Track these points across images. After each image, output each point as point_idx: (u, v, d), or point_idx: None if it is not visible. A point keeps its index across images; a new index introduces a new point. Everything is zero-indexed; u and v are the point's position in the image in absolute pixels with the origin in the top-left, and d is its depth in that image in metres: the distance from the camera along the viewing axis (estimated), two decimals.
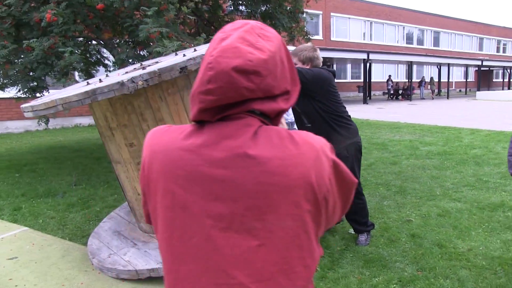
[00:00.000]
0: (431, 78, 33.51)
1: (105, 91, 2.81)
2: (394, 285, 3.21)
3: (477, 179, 6.21)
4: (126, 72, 3.87)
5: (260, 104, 0.94)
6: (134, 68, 4.15)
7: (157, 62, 4.00)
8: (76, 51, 5.31)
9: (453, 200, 5.21)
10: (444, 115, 17.14)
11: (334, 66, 33.00)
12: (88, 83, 3.91)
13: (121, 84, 2.77)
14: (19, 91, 7.88)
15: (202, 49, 3.92)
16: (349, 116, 3.94)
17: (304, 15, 8.05)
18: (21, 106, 3.48)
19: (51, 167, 7.81)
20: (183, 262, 0.94)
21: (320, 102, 3.77)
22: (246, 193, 0.90)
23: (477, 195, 5.43)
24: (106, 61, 8.19)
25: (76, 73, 8.68)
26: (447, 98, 31.08)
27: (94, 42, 7.59)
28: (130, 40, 6.62)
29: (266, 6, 7.27)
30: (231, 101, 0.91)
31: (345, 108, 3.92)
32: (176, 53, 4.56)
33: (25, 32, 5.69)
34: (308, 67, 3.77)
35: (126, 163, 3.68)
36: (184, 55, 3.65)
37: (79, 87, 3.89)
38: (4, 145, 10.86)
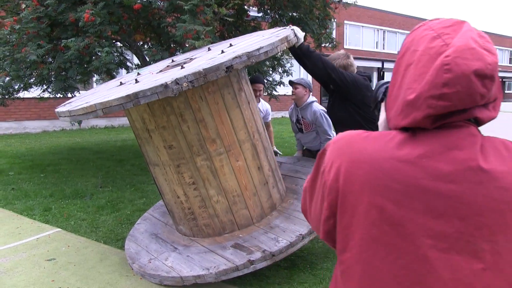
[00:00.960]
0: None
1: (148, 94, 2.65)
2: None
3: None
4: (161, 71, 3.76)
5: (480, 111, 0.86)
6: (167, 65, 4.03)
7: (191, 59, 3.91)
8: (113, 52, 5.29)
9: None
10: None
11: None
12: (121, 83, 3.81)
13: (165, 86, 2.63)
14: (46, 90, 7.92)
15: (239, 44, 3.80)
16: None
17: (332, 21, 8.01)
18: (57, 110, 3.33)
19: (74, 168, 7.80)
20: (385, 285, 0.86)
21: (358, 108, 3.70)
22: (476, 211, 0.82)
23: None
24: (128, 63, 8.19)
25: (95, 76, 8.72)
26: None
27: (118, 43, 7.59)
28: (163, 40, 6.60)
29: (295, 12, 7.23)
30: (462, 108, 0.83)
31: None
32: (209, 48, 4.41)
33: (59, 32, 5.68)
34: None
35: (164, 165, 3.59)
36: (222, 51, 3.54)
37: (111, 88, 3.80)
38: (24, 145, 10.88)
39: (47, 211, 5.26)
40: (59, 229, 4.65)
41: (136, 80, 3.47)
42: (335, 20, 8.47)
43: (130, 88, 3.06)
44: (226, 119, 3.41)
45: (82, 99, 3.71)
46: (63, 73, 5.71)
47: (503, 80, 43.48)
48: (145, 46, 8.04)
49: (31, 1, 5.33)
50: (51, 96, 9.21)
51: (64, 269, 3.65)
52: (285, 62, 9.29)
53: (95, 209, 5.34)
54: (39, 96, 9.09)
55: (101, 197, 5.87)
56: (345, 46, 35.88)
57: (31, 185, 6.53)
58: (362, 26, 34.07)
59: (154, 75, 3.55)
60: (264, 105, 5.37)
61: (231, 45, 3.90)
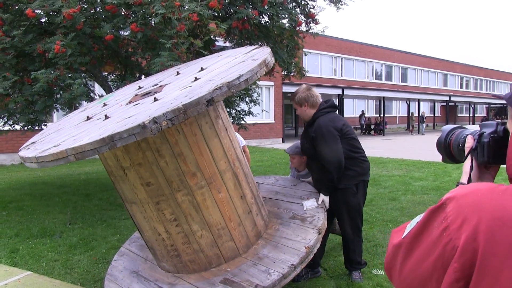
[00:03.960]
0: (412, 113, 34.32)
1: (124, 136, 2.44)
2: None
3: None
4: (130, 102, 3.54)
5: None
6: (136, 94, 3.81)
7: (160, 86, 3.72)
8: (85, 84, 5.11)
9: None
10: (423, 150, 17.51)
11: None
12: (88, 118, 3.55)
13: (143, 127, 2.44)
14: (7, 123, 7.54)
15: (211, 67, 3.65)
16: (363, 152, 3.94)
17: (301, 50, 8.13)
18: (21, 155, 3.02)
19: (39, 204, 7.40)
20: None
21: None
22: None
23: None
24: (91, 94, 7.97)
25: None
26: (418, 132, 31.91)
27: (83, 74, 7.39)
28: (129, 71, 6.45)
29: (266, 42, 7.29)
30: None
31: (359, 143, 3.91)
32: (177, 72, 4.17)
33: (25, 63, 5.45)
34: (305, 108, 3.80)
35: (142, 203, 3.36)
36: (195, 78, 3.38)
37: (78, 124, 3.54)
38: None
39: (14, 252, 4.91)
40: (30, 272, 4.33)
41: (106, 115, 3.21)
42: (303, 49, 8.60)
43: (101, 127, 2.84)
44: (206, 150, 3.23)
45: (47, 139, 3.40)
46: (30, 106, 5.45)
47: (456, 104, 45.55)
48: (111, 76, 7.88)
49: None
50: (11, 128, 8.81)
51: None
52: (252, 91, 9.33)
53: (66, 248, 5.03)
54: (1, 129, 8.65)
55: (72, 235, 5.56)
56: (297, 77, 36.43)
57: None
58: (320, 54, 34.95)
59: (124, 108, 3.33)
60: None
61: (202, 68, 3.74)
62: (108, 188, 8.96)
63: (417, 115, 33.50)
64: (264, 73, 3.02)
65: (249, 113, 9.22)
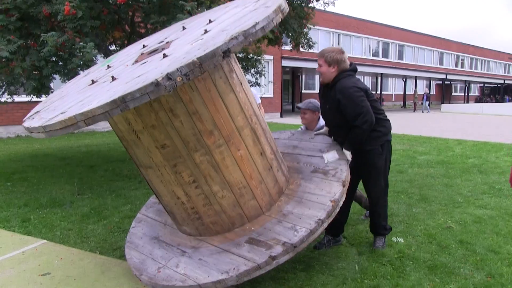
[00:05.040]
0: (416, 91, 34.10)
1: (137, 96, 2.27)
2: None
3: (490, 187, 6.27)
4: (136, 61, 3.31)
5: None
6: (141, 53, 3.55)
7: (167, 42, 3.48)
8: (96, 48, 4.93)
9: (479, 207, 5.20)
10: (423, 126, 17.51)
11: (303, 76, 33.30)
12: (93, 81, 3.31)
13: (156, 84, 2.26)
14: (10, 94, 7.35)
15: (221, 18, 3.36)
16: (384, 112, 3.89)
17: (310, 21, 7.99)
18: (26, 126, 2.82)
19: (44, 176, 7.29)
20: None
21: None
22: None
23: (499, 202, 5.45)
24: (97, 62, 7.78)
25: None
26: (414, 110, 31.92)
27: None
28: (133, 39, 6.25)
29: None
30: None
31: (379, 105, 3.86)
32: (183, 27, 3.85)
33: (31, 27, 5.24)
34: (333, 70, 3.63)
35: (159, 166, 3.22)
36: (205, 30, 3.09)
37: (83, 88, 3.33)
38: None
39: (26, 221, 4.83)
40: (45, 241, 4.27)
41: (112, 77, 2.99)
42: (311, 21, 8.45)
43: (110, 89, 2.66)
44: (222, 106, 3.05)
45: (51, 107, 3.20)
46: (37, 71, 5.26)
47: (451, 83, 45.54)
48: (113, 46, 7.68)
49: None
50: (8, 100, 8.61)
51: (65, 284, 3.32)
52: (257, 62, 9.18)
53: (79, 217, 4.97)
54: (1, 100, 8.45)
55: (82, 205, 5.48)
56: (301, 49, 36.15)
57: None
58: (318, 29, 34.58)
59: (131, 68, 3.13)
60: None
61: (210, 21, 3.49)
62: (112, 160, 8.86)
63: (421, 94, 33.34)
64: (280, 20, 2.80)
65: (256, 84, 9.03)
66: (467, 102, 43.04)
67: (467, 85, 43.86)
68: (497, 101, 47.77)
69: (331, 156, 3.68)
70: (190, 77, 2.35)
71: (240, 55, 8.34)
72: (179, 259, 3.34)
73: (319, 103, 4.05)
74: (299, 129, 4.49)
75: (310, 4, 7.54)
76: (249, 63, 8.61)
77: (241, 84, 3.30)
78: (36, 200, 5.67)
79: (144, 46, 3.83)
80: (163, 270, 3.29)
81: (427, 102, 30.54)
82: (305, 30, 8.02)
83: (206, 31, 3.06)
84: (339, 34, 35.98)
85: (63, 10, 4.57)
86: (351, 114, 3.53)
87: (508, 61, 60.05)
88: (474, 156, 9.13)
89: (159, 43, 3.63)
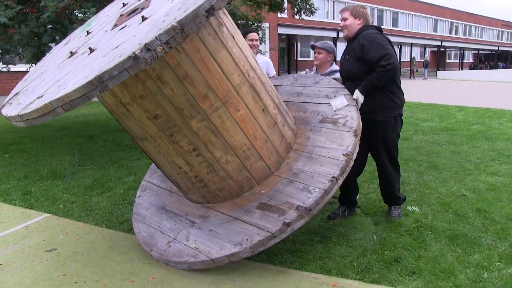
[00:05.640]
0: (413, 58, 33.83)
1: (115, 74, 2.06)
2: (498, 263, 3.00)
3: (498, 153, 6.17)
4: (116, 25, 2.99)
5: None
6: (121, 14, 3.20)
7: None
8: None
9: (491, 175, 5.11)
10: (421, 93, 17.37)
11: (298, 44, 32.84)
12: (71, 53, 3.02)
13: (134, 58, 2.03)
14: (6, 62, 7.03)
15: None
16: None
17: None
18: (4, 113, 2.61)
19: (42, 147, 7.08)
20: None
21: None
22: None
23: (511, 169, 5.34)
24: None
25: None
26: (409, 77, 31.71)
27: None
28: None
29: None
30: None
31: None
32: None
33: None
34: (359, 22, 3.56)
35: (154, 138, 3.00)
36: None
37: (62, 63, 3.02)
38: None
39: (27, 194, 4.66)
40: (48, 214, 4.11)
41: (90, 48, 2.71)
42: None
43: (87, 64, 2.43)
44: (214, 66, 2.76)
45: (30, 87, 2.95)
46: (36, 38, 4.97)
47: (445, 50, 45.17)
48: None
49: None
50: (4, 70, 8.29)
51: (72, 260, 3.18)
52: (259, 29, 8.87)
53: (82, 189, 4.80)
54: None
55: (84, 176, 5.31)
56: (296, 16, 35.39)
57: None
58: None
59: (110, 34, 2.85)
60: (261, 58, 4.82)
61: None
62: (111, 130, 8.64)
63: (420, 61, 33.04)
64: None
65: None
66: (462, 69, 42.83)
67: (462, 52, 43.55)
68: (491, 67, 47.59)
69: (339, 102, 3.46)
70: (172, 45, 2.11)
71: (239, 22, 8.06)
72: (188, 230, 3.20)
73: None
74: (303, 72, 4.29)
75: None
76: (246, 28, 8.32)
77: (233, 37, 2.98)
78: (36, 172, 5.49)
79: (124, 5, 3.51)
80: (173, 245, 3.16)
81: (426, 69, 30.46)
82: None
83: None
84: (333, 2, 35.35)
85: None
86: (376, 57, 3.33)
87: (502, 27, 59.58)
88: (477, 123, 9.02)
89: (139, 0, 3.30)
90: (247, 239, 2.83)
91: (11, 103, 2.84)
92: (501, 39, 59.96)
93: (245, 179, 3.16)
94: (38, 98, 2.40)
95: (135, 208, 3.73)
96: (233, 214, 3.10)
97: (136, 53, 2.03)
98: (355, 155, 3.12)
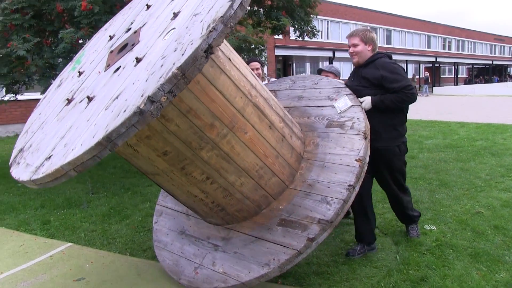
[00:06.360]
0: (413, 75, 34.07)
1: (122, 131, 2.00)
2: None
3: (507, 169, 6.26)
4: (109, 65, 2.90)
5: None
6: (111, 50, 3.11)
7: (129, 29, 3.15)
8: None
9: (504, 191, 5.18)
10: (419, 110, 17.52)
11: (294, 64, 33.17)
12: (68, 101, 2.93)
13: (140, 113, 1.97)
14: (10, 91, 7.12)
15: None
16: None
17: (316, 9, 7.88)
18: (15, 177, 2.58)
19: None
20: None
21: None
22: None
23: None
24: None
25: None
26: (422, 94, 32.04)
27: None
28: None
29: (284, 1, 6.98)
30: None
31: None
32: (147, 6, 3.33)
33: (43, 25, 5.08)
34: (369, 48, 3.58)
35: (166, 172, 2.96)
36: (174, 14, 2.65)
37: (60, 112, 2.94)
38: None
39: (46, 224, 4.70)
40: (70, 244, 4.15)
41: (88, 97, 2.61)
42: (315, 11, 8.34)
43: (90, 117, 2.37)
44: (215, 94, 2.71)
45: (34, 143, 2.87)
46: (48, 70, 5.10)
47: (439, 65, 45.72)
48: None
49: None
50: (11, 99, 8.38)
51: None
52: (262, 52, 9.02)
53: (100, 218, 4.84)
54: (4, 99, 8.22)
55: (99, 204, 5.36)
56: (291, 37, 35.79)
57: (11, 197, 5.87)
58: None
59: (105, 77, 2.77)
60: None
61: (148, 6, 3.01)
62: (118, 156, 8.69)
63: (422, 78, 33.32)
64: None
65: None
66: (457, 84, 43.30)
67: (456, 67, 44.08)
68: (486, 81, 48.11)
69: (342, 104, 3.40)
70: (175, 93, 2.02)
71: (242, 46, 8.20)
72: (213, 255, 3.20)
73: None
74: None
75: None
76: (251, 53, 8.46)
77: (230, 59, 2.91)
78: (51, 201, 5.53)
79: (110, 38, 3.44)
80: (200, 271, 3.17)
81: (426, 86, 30.72)
82: (311, 17, 7.90)
83: (175, 15, 2.64)
84: (327, 21, 35.77)
85: (79, 6, 4.42)
86: (399, 87, 3.36)
87: (494, 41, 60.42)
88: (481, 139, 9.13)
89: (126, 31, 3.25)
90: (274, 259, 2.84)
91: (18, 163, 2.80)
92: (494, 53, 60.73)
93: (261, 197, 3.17)
94: (46, 159, 2.37)
95: (154, 235, 3.72)
96: (256, 234, 3.10)
97: (141, 107, 1.96)
98: (367, 158, 3.10)
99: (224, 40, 2.92)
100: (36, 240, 4.27)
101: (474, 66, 49.37)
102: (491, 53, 59.63)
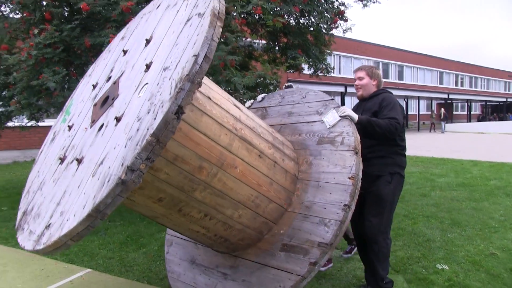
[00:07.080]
0: (432, 111, 33.88)
1: (109, 201, 2.06)
2: None
3: None
4: (93, 121, 2.94)
5: None
6: (94, 103, 3.16)
7: (109, 77, 3.22)
8: None
9: None
10: (431, 147, 17.57)
11: None
12: (61, 160, 3.03)
13: (122, 183, 2.02)
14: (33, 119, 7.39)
15: (158, 41, 2.83)
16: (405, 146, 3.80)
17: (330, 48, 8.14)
18: (20, 242, 2.71)
19: None
20: None
21: None
22: None
23: None
24: None
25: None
26: (418, 130, 32.07)
27: None
28: None
29: (300, 39, 7.24)
30: None
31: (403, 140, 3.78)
32: (124, 52, 3.36)
33: (72, 58, 5.37)
34: (374, 83, 3.75)
35: (164, 216, 3.03)
36: (146, 66, 2.67)
37: (54, 173, 3.05)
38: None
39: (66, 249, 4.83)
40: (89, 270, 4.26)
41: (77, 160, 2.71)
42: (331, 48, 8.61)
43: (79, 183, 2.48)
44: (199, 137, 2.73)
45: (36, 206, 3.00)
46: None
47: (452, 102, 45.85)
48: None
49: (44, 26, 5.01)
50: (32, 125, 8.68)
51: None
52: (277, 87, 9.23)
53: (117, 245, 4.96)
54: (20, 125, 8.53)
55: (117, 232, 5.49)
56: (304, 72, 36.20)
57: None
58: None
59: (91, 135, 2.84)
60: None
61: (147, 41, 2.99)
62: None
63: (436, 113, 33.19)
64: (221, 30, 2.28)
65: None
66: (469, 121, 43.27)
67: (469, 103, 44.12)
68: (500, 119, 47.98)
69: (331, 118, 3.42)
70: (153, 159, 2.07)
71: (257, 81, 8.42)
72: (223, 283, 3.29)
73: None
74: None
75: (331, 32, 7.68)
76: (266, 89, 8.67)
77: (210, 98, 2.90)
78: None
79: (94, 87, 3.47)
80: None
81: (444, 122, 30.46)
82: (326, 55, 8.15)
83: (147, 67, 2.67)
84: (340, 56, 36.32)
85: (107, 42, 4.68)
86: (389, 114, 3.45)
87: (508, 78, 60.61)
88: (494, 178, 9.15)
89: (107, 80, 3.33)
90: (280, 286, 2.94)
91: (23, 229, 2.93)
92: (509, 90, 60.81)
93: (261, 223, 3.23)
94: (46, 228, 2.52)
95: (167, 265, 3.80)
96: (261, 260, 3.18)
97: (122, 177, 2.01)
98: (360, 174, 3.12)
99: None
100: (56, 265, 4.40)
101: (488, 103, 49.39)
102: (505, 90, 59.72)
